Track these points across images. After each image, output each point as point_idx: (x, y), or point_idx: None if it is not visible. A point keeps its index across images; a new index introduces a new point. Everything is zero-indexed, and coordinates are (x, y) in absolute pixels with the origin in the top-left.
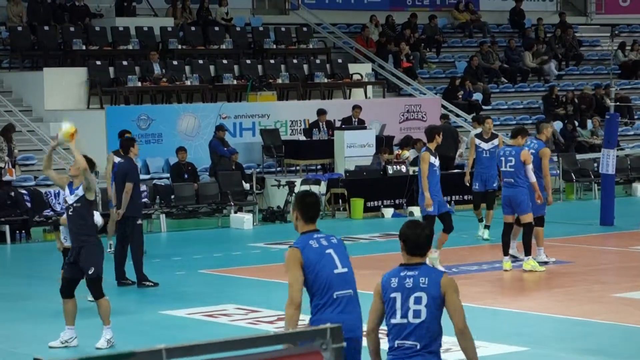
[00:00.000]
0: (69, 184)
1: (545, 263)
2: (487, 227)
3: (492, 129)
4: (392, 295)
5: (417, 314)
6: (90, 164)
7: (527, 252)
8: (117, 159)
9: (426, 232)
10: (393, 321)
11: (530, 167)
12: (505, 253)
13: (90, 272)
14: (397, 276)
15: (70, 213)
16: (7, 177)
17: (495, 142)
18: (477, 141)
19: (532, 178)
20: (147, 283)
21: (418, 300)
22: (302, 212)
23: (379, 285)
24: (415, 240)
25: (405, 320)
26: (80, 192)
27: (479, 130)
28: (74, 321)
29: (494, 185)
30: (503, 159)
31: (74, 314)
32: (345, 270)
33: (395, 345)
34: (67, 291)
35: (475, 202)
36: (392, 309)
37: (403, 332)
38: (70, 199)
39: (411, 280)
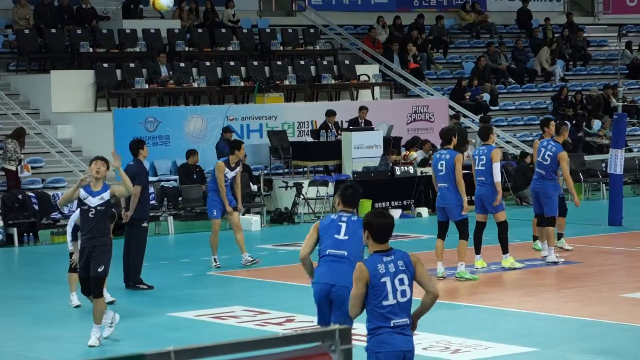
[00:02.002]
0: (86, 187)
1: (555, 263)
2: (560, 235)
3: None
4: (383, 280)
5: (403, 293)
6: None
7: (505, 250)
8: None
9: (390, 220)
10: (386, 303)
11: (497, 165)
12: (478, 252)
13: (99, 270)
14: (381, 262)
15: (90, 215)
16: (24, 174)
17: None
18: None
19: (497, 177)
20: (141, 286)
21: (402, 282)
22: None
23: (365, 269)
24: (385, 228)
25: (395, 301)
26: (106, 196)
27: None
28: (101, 320)
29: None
30: (477, 158)
31: (104, 312)
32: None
33: (392, 325)
34: (88, 290)
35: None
36: (384, 292)
37: (397, 312)
38: (94, 202)
39: (392, 265)
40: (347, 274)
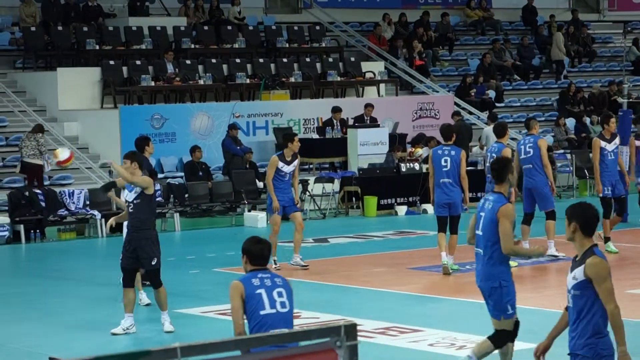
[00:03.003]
0: (127, 184)
1: (556, 257)
2: (607, 238)
3: (614, 128)
4: (258, 291)
5: (283, 304)
6: (135, 157)
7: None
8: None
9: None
10: (263, 312)
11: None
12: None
13: (153, 264)
14: (256, 277)
15: (130, 210)
16: (47, 168)
17: (617, 141)
18: (602, 143)
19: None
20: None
21: (280, 294)
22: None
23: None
24: (259, 253)
25: (274, 311)
26: (139, 189)
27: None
28: (133, 309)
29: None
30: (522, 147)
31: (134, 303)
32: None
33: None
34: (129, 281)
35: (606, 210)
36: (260, 303)
37: (276, 322)
38: (130, 197)
39: (269, 279)
40: None
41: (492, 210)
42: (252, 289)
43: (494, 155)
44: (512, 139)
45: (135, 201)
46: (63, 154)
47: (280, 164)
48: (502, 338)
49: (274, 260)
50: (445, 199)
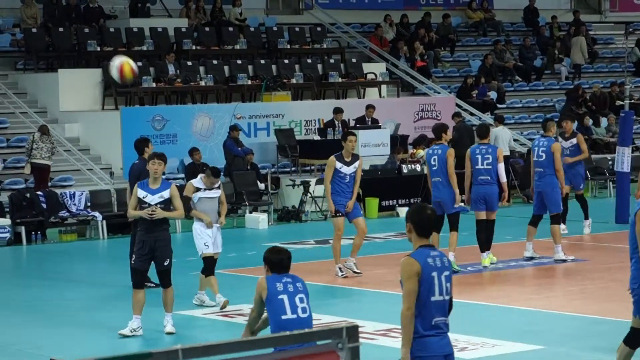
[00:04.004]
0: (144, 186)
1: (563, 261)
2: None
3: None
4: (280, 297)
5: (304, 310)
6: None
7: (487, 247)
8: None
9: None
10: (285, 317)
11: (501, 165)
12: (482, 249)
13: (165, 264)
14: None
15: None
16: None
17: (574, 141)
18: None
19: (503, 178)
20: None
21: (302, 300)
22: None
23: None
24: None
25: (295, 316)
26: (166, 194)
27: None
28: (141, 311)
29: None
30: (479, 157)
31: (143, 304)
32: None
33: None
34: (140, 282)
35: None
36: (282, 308)
37: (296, 326)
38: (153, 200)
39: (292, 285)
40: None
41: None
42: (275, 293)
43: (542, 150)
44: (514, 140)
45: (160, 206)
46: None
47: (339, 165)
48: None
49: (339, 268)
50: (436, 197)
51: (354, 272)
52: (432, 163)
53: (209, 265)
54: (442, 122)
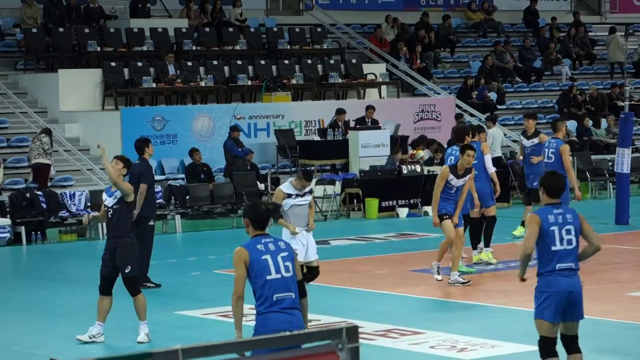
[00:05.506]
0: (108, 188)
1: None
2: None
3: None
4: (264, 257)
5: (287, 269)
6: (127, 163)
7: (487, 244)
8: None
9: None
10: (269, 277)
11: (488, 156)
12: (485, 244)
13: (127, 271)
14: (260, 243)
15: (109, 215)
16: (52, 172)
17: (536, 140)
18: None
19: (491, 168)
20: (149, 285)
21: (285, 259)
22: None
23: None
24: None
25: (279, 275)
26: (118, 194)
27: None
28: (105, 318)
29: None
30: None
31: (108, 312)
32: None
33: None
34: (106, 289)
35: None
36: (267, 269)
37: (281, 286)
38: (109, 202)
39: (273, 244)
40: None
41: None
42: (258, 255)
43: (552, 151)
44: (514, 141)
45: (114, 207)
46: None
47: (450, 177)
48: None
49: (438, 268)
50: None
51: (462, 283)
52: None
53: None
54: (464, 124)
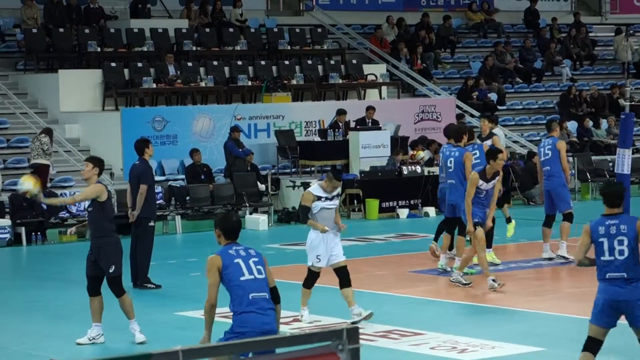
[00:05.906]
0: None
1: (566, 259)
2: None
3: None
4: (236, 261)
5: (259, 271)
6: (100, 163)
7: (489, 245)
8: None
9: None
10: (242, 279)
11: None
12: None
13: (110, 271)
14: (231, 249)
15: (87, 218)
16: (52, 172)
17: (489, 142)
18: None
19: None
20: (149, 285)
21: (256, 262)
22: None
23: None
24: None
25: (252, 277)
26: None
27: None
28: (100, 318)
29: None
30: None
31: (101, 311)
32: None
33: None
34: (93, 289)
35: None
36: (239, 271)
37: (254, 286)
38: (86, 204)
39: (243, 250)
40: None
41: None
42: (230, 259)
43: (548, 148)
44: (514, 141)
45: (89, 209)
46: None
47: (480, 182)
48: None
49: (493, 280)
50: (450, 200)
51: (463, 284)
52: (448, 165)
53: (313, 278)
54: (461, 123)
